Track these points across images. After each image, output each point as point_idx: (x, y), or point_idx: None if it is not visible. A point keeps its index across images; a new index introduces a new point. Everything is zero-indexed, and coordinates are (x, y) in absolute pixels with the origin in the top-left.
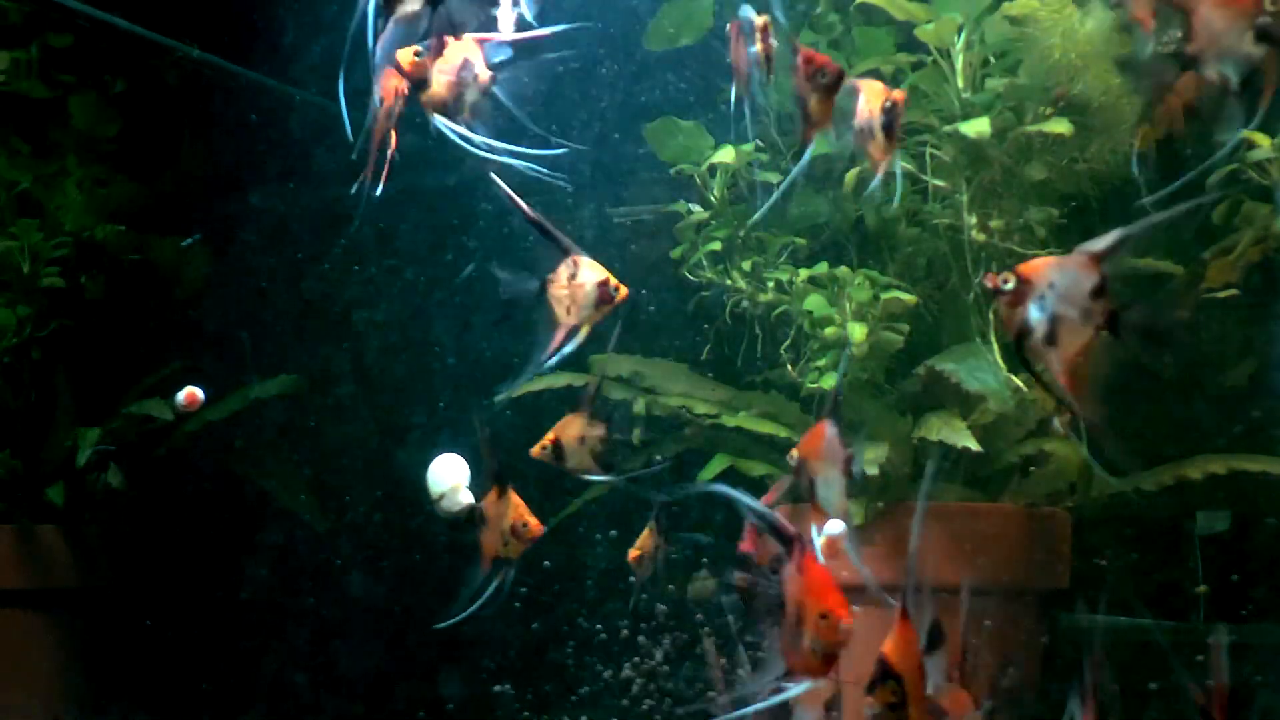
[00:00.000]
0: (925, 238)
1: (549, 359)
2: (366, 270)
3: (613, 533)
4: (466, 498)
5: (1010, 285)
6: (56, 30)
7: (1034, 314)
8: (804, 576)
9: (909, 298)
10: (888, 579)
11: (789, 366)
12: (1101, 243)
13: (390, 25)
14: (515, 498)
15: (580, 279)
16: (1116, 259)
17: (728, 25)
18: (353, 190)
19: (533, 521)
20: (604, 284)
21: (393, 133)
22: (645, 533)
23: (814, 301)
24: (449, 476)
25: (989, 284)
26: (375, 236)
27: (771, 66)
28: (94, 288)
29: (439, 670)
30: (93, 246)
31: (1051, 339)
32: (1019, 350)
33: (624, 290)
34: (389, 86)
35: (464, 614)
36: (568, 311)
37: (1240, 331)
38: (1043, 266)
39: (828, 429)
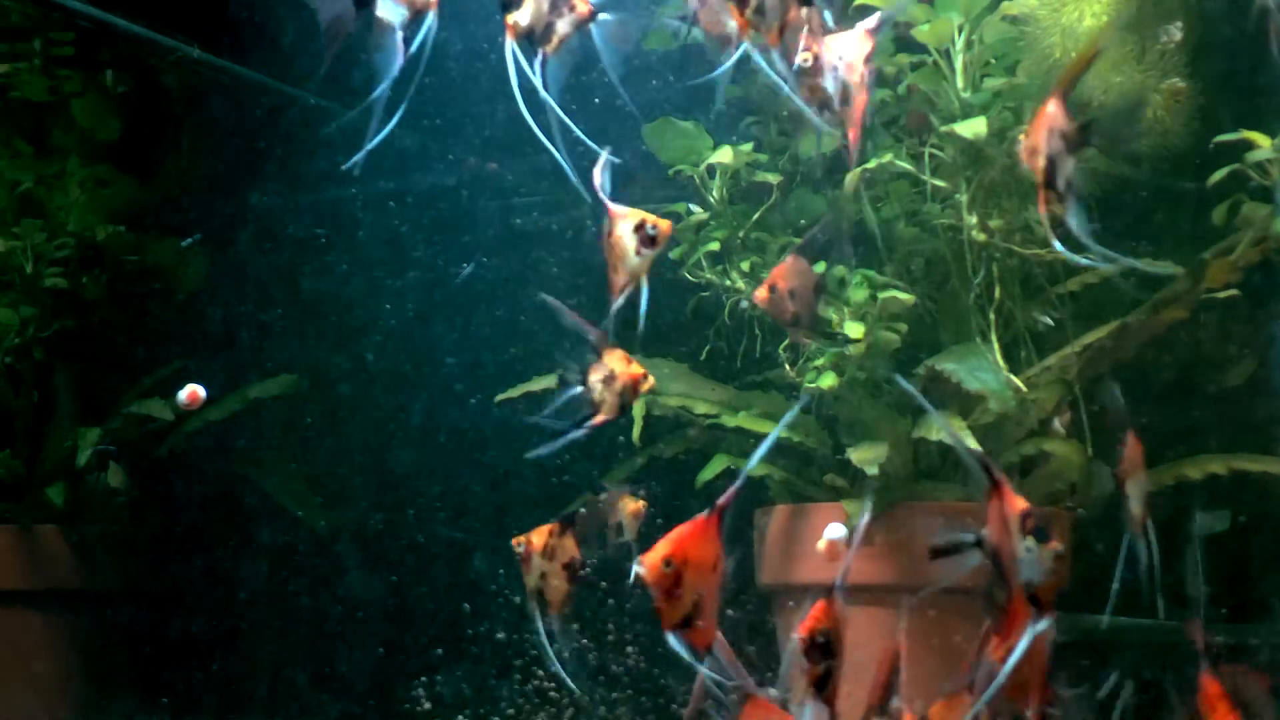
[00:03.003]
0: (925, 238)
1: None
2: (367, 270)
3: None
4: None
5: (810, 62)
6: (57, 30)
7: (830, 82)
8: None
9: (907, 297)
10: (888, 579)
11: (787, 367)
12: (871, 21)
13: None
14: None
15: None
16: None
17: None
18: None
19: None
20: None
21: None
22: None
23: None
24: None
25: (794, 61)
26: (378, 236)
27: None
28: (95, 288)
29: (439, 670)
30: (94, 247)
31: (845, 100)
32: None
33: None
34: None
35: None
36: None
37: (1240, 331)
38: (830, 40)
39: None
